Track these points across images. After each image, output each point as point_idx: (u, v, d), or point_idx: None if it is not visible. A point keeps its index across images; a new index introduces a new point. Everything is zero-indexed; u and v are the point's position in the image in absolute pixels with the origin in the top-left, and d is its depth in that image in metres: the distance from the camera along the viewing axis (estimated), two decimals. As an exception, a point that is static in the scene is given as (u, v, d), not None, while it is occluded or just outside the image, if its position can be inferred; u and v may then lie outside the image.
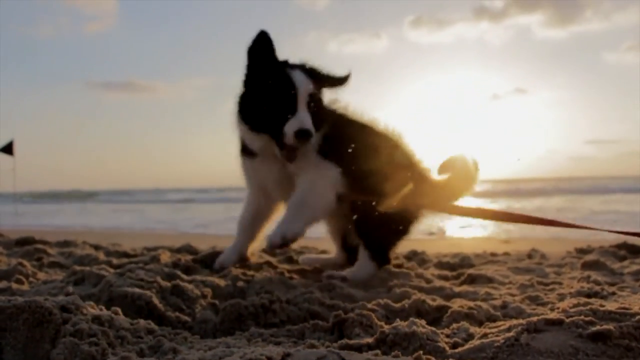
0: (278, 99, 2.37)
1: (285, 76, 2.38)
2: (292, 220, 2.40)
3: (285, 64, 2.46)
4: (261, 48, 2.42)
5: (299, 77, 2.38)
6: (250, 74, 2.48)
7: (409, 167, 2.65)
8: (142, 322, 1.67)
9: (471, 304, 1.90)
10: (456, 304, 1.92)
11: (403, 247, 3.35)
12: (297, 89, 2.35)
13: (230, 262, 2.79)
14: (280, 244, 2.37)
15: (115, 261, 3.01)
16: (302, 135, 2.31)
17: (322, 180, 2.47)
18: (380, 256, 2.64)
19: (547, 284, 2.41)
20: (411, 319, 1.53)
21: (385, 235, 2.68)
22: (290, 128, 2.32)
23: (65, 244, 3.85)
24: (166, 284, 2.09)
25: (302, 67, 2.46)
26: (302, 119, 2.33)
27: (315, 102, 2.42)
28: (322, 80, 2.51)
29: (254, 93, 2.46)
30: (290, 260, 3.36)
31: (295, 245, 3.92)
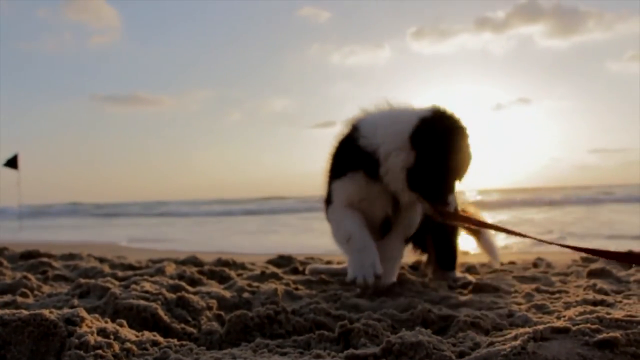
0: (460, 173, 2.46)
1: (468, 149, 2.44)
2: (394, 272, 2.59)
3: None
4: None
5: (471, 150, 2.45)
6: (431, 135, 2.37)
7: None
8: (147, 334, 1.67)
9: (477, 313, 1.89)
10: (462, 313, 1.91)
11: (408, 257, 3.36)
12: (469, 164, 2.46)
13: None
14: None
15: (120, 274, 3.01)
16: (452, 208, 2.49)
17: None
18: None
19: (553, 293, 2.40)
20: (417, 328, 1.52)
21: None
22: (453, 201, 2.48)
23: (70, 257, 3.86)
24: (171, 295, 2.08)
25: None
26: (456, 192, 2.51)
27: None
28: None
29: (437, 162, 2.36)
30: (295, 271, 3.36)
31: (300, 257, 3.92)
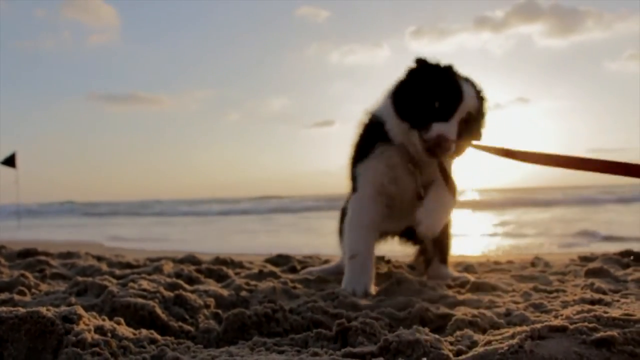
0: (441, 99, 2.42)
1: (456, 83, 2.46)
2: (442, 217, 2.59)
3: (457, 74, 2.52)
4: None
5: (468, 91, 2.45)
6: (422, 71, 2.52)
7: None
8: (145, 332, 1.67)
9: (475, 311, 1.89)
10: (460, 312, 1.92)
11: (406, 256, 3.37)
12: (461, 100, 2.42)
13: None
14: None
15: (118, 272, 3.01)
16: (441, 142, 2.38)
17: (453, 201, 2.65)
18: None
19: (550, 292, 2.40)
20: (415, 326, 1.52)
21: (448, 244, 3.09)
22: (436, 128, 2.38)
23: (68, 255, 3.85)
24: (169, 293, 2.08)
25: (472, 84, 2.52)
26: (450, 128, 2.39)
27: (469, 122, 2.48)
28: (481, 105, 2.56)
29: (420, 86, 2.47)
30: (293, 269, 3.36)
31: (299, 256, 3.92)
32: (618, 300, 2.03)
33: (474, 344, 1.50)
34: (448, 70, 2.51)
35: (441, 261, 3.02)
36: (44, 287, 2.60)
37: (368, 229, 2.61)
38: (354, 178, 2.70)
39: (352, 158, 2.74)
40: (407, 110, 2.48)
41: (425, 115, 2.42)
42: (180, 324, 1.89)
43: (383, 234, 3.03)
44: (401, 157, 2.57)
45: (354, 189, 2.69)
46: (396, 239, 3.19)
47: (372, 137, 2.63)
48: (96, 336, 1.49)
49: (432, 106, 2.42)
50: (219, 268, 3.06)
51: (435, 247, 3.02)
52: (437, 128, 2.38)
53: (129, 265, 3.45)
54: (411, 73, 2.55)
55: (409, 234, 3.11)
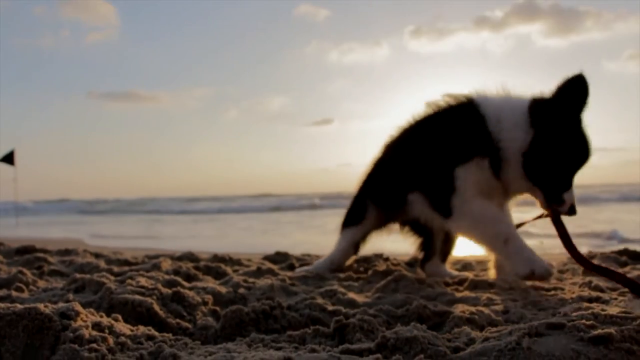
0: (574, 163, 2.31)
1: (586, 142, 2.31)
2: None
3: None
4: (579, 99, 2.33)
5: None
6: (560, 120, 2.29)
7: None
8: (142, 328, 1.67)
9: (473, 309, 1.89)
10: (458, 309, 1.91)
11: (405, 254, 3.36)
12: (587, 161, 2.31)
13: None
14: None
15: (116, 269, 3.01)
16: (572, 212, 2.31)
17: None
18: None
19: (548, 290, 2.40)
20: (412, 323, 1.52)
21: None
22: (568, 199, 2.30)
23: (66, 252, 3.85)
24: (167, 290, 2.08)
25: None
26: (573, 193, 2.31)
27: None
28: None
29: (556, 145, 2.27)
30: (291, 267, 3.36)
31: (297, 254, 3.92)
32: (616, 298, 2.03)
33: (472, 341, 1.50)
34: (582, 122, 2.33)
35: (441, 259, 3.01)
36: (41, 283, 2.59)
37: (500, 210, 2.43)
38: (446, 176, 2.43)
39: (443, 152, 2.47)
40: (537, 175, 2.31)
41: (560, 182, 2.30)
42: (178, 320, 1.89)
43: (390, 219, 2.98)
44: (492, 176, 2.40)
45: (453, 189, 2.42)
46: (399, 227, 3.07)
47: (475, 138, 2.37)
48: (94, 332, 1.49)
49: (568, 171, 2.30)
50: (217, 265, 3.06)
51: (441, 244, 2.99)
52: (569, 199, 2.29)
53: (127, 263, 3.45)
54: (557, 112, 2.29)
55: (416, 225, 2.98)
